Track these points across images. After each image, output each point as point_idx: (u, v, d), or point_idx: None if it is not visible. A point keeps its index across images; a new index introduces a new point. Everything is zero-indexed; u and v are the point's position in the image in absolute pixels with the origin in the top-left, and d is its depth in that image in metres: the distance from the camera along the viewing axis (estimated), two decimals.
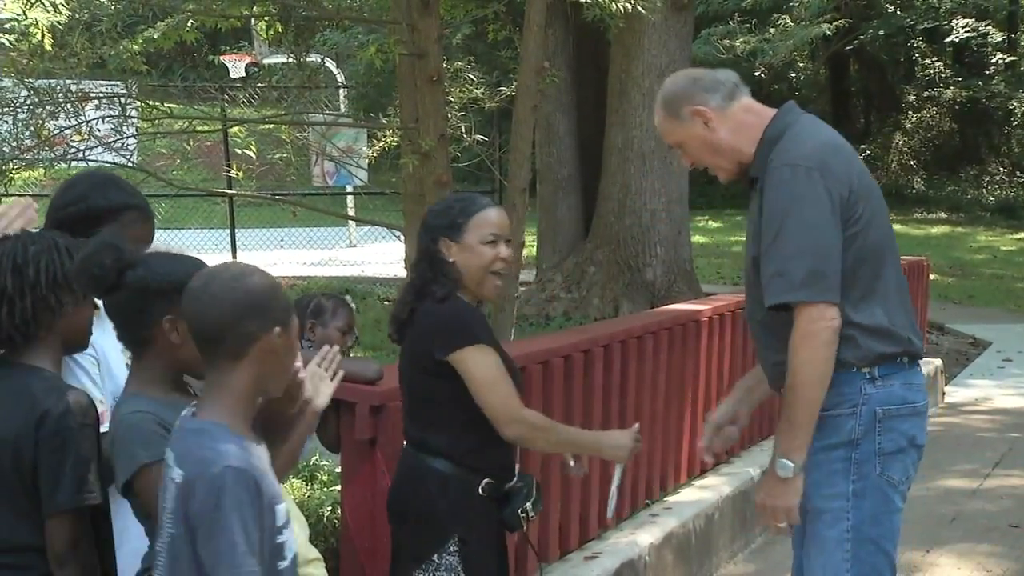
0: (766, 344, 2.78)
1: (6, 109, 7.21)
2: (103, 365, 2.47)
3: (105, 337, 2.46)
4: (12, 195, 11.30)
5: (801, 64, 22.69)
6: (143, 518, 2.16)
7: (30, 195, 12.31)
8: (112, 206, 2.55)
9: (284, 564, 1.89)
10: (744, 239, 2.90)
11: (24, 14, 8.16)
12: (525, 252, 8.22)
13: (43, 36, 7.91)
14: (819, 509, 2.69)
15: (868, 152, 23.33)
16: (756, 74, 14.18)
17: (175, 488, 1.85)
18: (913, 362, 2.69)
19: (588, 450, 2.85)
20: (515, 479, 2.78)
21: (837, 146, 2.65)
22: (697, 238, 13.76)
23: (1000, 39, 23.23)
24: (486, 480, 2.66)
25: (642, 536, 4.43)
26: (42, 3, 7.90)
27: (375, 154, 10.09)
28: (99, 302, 2.33)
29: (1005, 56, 22.78)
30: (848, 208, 2.55)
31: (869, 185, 2.64)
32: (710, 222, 19.39)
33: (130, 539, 2.32)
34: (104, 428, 2.32)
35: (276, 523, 1.88)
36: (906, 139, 24.82)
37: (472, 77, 8.38)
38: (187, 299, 1.96)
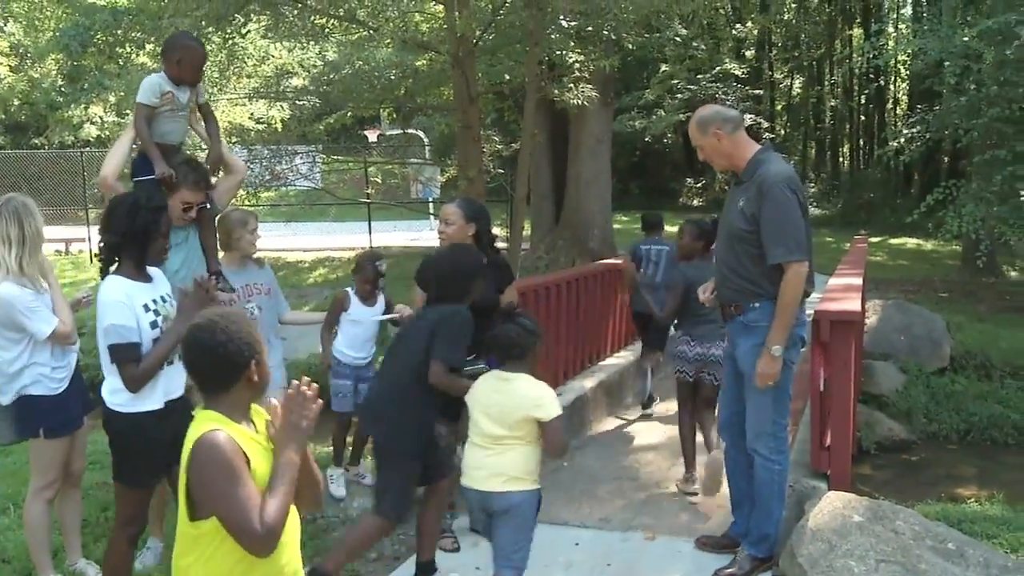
0: (731, 274, 3.70)
1: (257, 160, 10.63)
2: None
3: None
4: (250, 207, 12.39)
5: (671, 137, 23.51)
6: None
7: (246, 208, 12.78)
8: None
9: None
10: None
11: (267, 123, 12.12)
12: (525, 233, 10.29)
13: (280, 124, 12.50)
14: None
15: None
16: (646, 139, 16.41)
17: None
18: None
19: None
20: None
21: (793, 172, 3.59)
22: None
23: None
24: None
25: (587, 383, 6.03)
26: (280, 105, 11.92)
27: (445, 179, 13.78)
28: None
29: None
30: (803, 206, 3.61)
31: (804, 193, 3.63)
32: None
33: None
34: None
35: None
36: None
37: (496, 138, 11.74)
38: None
